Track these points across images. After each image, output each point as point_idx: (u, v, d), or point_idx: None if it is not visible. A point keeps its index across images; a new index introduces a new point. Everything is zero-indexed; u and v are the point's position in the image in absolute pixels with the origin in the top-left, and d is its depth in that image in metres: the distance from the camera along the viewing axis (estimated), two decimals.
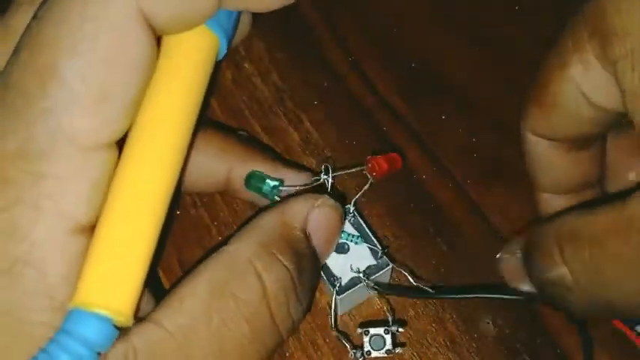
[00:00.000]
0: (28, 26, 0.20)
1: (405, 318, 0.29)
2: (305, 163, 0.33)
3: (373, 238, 0.28)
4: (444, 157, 0.32)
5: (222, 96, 0.35)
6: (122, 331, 0.20)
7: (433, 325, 0.29)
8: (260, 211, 0.25)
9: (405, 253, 0.30)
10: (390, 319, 0.27)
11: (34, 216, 0.19)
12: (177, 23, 0.21)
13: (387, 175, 0.28)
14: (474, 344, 0.28)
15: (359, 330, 0.27)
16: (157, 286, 0.29)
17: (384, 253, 0.27)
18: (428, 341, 0.28)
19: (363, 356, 0.27)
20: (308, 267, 0.24)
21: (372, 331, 0.27)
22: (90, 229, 0.20)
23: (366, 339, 0.27)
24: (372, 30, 0.36)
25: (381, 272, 0.27)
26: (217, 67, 0.23)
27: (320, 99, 0.34)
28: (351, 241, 0.28)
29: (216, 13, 0.21)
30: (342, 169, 0.29)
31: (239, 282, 0.22)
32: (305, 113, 0.34)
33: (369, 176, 0.28)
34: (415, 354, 0.28)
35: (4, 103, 0.20)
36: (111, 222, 0.20)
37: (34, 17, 0.20)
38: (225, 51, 0.23)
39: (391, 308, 0.28)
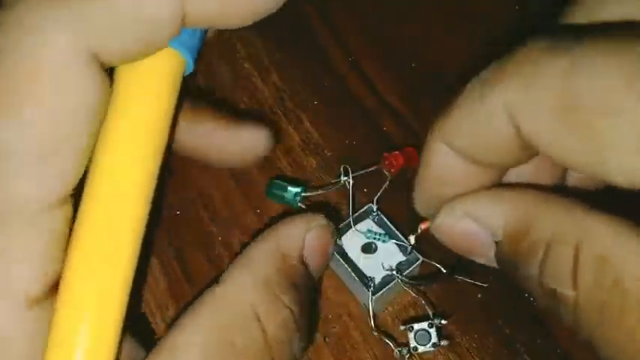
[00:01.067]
0: None
1: (406, 318, 0.29)
2: (305, 164, 0.33)
3: (399, 233, 0.28)
4: None
5: (222, 96, 0.35)
6: None
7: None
8: (254, 238, 0.23)
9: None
10: (430, 312, 0.27)
11: None
12: (133, 55, 0.18)
13: (403, 169, 0.28)
14: (474, 344, 0.28)
15: (402, 327, 0.27)
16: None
17: (413, 248, 0.27)
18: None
19: (410, 352, 0.27)
20: (308, 299, 0.23)
21: (416, 326, 0.27)
22: (50, 293, 0.18)
23: (411, 335, 0.26)
24: (372, 30, 0.36)
25: (413, 267, 0.27)
26: (186, 83, 0.21)
27: (320, 99, 0.34)
28: (378, 239, 0.28)
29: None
30: (354, 170, 0.28)
31: (239, 329, 0.20)
32: (305, 113, 0.34)
33: (387, 174, 0.28)
34: (415, 354, 0.28)
35: None
36: (73, 285, 0.18)
37: None
38: (192, 67, 0.20)
39: (430, 302, 0.28)
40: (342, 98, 0.34)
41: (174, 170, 0.30)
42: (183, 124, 0.25)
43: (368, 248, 0.28)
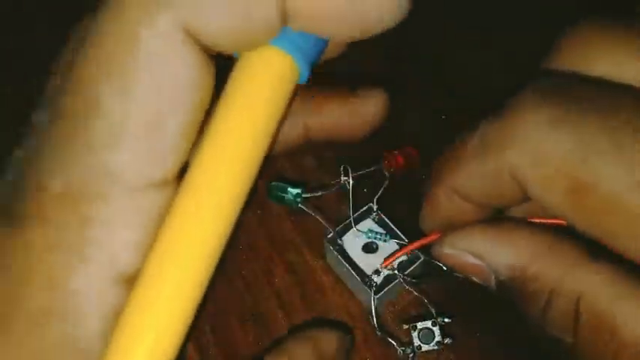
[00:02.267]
0: (67, 48, 0.18)
1: (407, 317, 0.29)
2: (305, 164, 0.33)
3: (400, 233, 0.28)
4: None
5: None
6: None
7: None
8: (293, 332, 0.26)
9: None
10: (433, 311, 0.27)
11: (74, 263, 0.18)
12: (232, 41, 0.18)
13: (405, 170, 0.28)
14: (474, 344, 0.28)
15: (405, 326, 0.27)
16: None
17: (415, 252, 0.27)
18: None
19: (414, 352, 0.27)
20: None
21: (420, 325, 0.27)
22: (133, 279, 0.18)
23: (414, 334, 0.27)
24: None
25: (414, 266, 0.27)
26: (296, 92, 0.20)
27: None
28: (379, 239, 0.28)
29: (286, 31, 0.18)
30: (354, 170, 0.29)
31: None
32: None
33: (386, 173, 0.28)
34: (419, 353, 0.28)
35: (51, 135, 0.18)
36: (153, 273, 0.18)
37: (76, 35, 0.18)
38: (307, 74, 0.20)
39: (432, 301, 0.28)
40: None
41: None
42: (309, 117, 0.26)
43: (369, 248, 0.28)
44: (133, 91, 0.17)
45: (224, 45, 0.18)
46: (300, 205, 0.27)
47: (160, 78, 0.17)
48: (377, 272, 0.27)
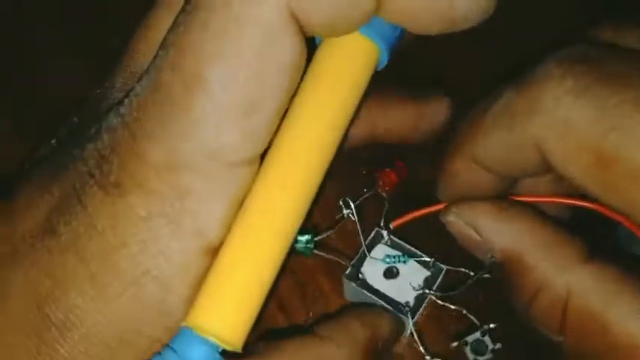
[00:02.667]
0: (176, 22, 0.19)
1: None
2: None
3: (416, 250, 0.27)
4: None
5: None
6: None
7: (434, 325, 0.29)
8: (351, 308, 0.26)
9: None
10: (476, 320, 0.26)
11: (171, 231, 0.19)
12: (330, 25, 0.19)
13: (398, 185, 0.28)
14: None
15: (454, 344, 0.26)
16: None
17: (435, 260, 0.27)
18: (428, 341, 0.28)
19: (459, 343, 0.26)
20: None
21: (470, 338, 0.26)
22: (217, 249, 0.20)
23: (467, 349, 0.26)
24: None
25: (440, 279, 0.27)
26: (375, 78, 0.21)
27: None
28: (399, 262, 0.27)
29: (373, 20, 0.19)
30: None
31: None
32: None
33: (384, 195, 0.28)
34: (416, 354, 0.28)
35: (155, 107, 0.19)
36: (236, 244, 0.19)
37: (182, 11, 0.19)
38: (386, 61, 0.21)
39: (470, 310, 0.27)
40: None
41: None
42: (377, 118, 0.27)
43: (390, 273, 0.27)
44: (236, 73, 0.18)
45: (322, 30, 0.19)
46: (313, 251, 0.26)
47: (263, 61, 0.18)
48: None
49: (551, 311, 0.20)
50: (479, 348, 0.26)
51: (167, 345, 0.19)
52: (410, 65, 0.34)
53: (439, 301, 0.26)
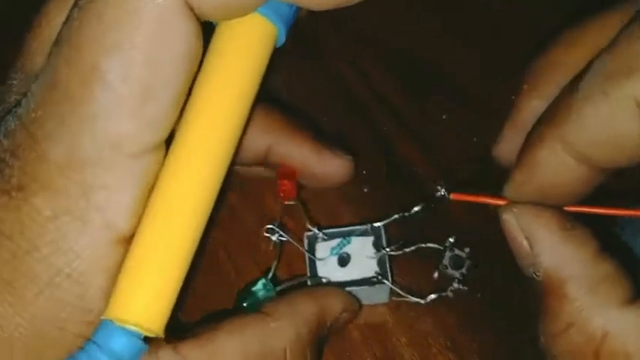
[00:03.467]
0: (70, 17, 0.19)
1: (406, 319, 0.29)
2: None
3: (346, 228, 0.28)
4: (444, 157, 0.32)
5: None
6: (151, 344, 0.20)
7: (433, 325, 0.29)
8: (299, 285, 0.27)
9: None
10: (437, 245, 0.27)
11: (80, 227, 0.19)
12: (225, 10, 0.19)
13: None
14: (474, 344, 0.28)
15: (435, 275, 0.27)
16: None
17: (371, 224, 0.28)
18: (428, 341, 0.28)
19: (439, 270, 0.27)
20: (319, 351, 0.26)
21: (445, 261, 0.27)
22: (130, 238, 0.20)
23: (449, 270, 0.27)
24: (372, 31, 0.36)
25: (384, 236, 0.28)
26: (275, 56, 0.21)
27: (319, 99, 0.34)
28: (343, 247, 0.28)
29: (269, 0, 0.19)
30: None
31: None
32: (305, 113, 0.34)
33: (289, 202, 0.28)
34: (415, 354, 0.28)
35: (53, 105, 0.19)
36: (148, 231, 0.20)
37: (75, 6, 0.19)
38: (284, 39, 0.21)
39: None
40: (342, 98, 0.34)
41: None
42: (278, 140, 0.28)
43: (343, 261, 0.28)
44: (132, 62, 0.18)
45: (217, 15, 0.19)
46: (274, 290, 0.27)
47: (158, 49, 0.18)
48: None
49: (580, 352, 0.19)
50: (457, 262, 0.26)
51: (89, 339, 0.19)
52: (409, 66, 0.34)
53: (397, 252, 0.27)
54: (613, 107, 0.18)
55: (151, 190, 0.20)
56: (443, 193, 0.25)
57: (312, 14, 0.21)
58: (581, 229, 0.21)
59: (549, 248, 0.20)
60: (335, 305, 0.26)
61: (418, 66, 0.35)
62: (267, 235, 0.28)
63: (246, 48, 0.20)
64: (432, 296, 0.27)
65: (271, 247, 0.28)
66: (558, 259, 0.20)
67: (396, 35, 0.36)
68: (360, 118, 0.34)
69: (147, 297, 0.19)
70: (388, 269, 0.27)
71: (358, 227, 0.28)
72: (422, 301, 0.27)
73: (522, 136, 0.22)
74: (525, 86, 0.23)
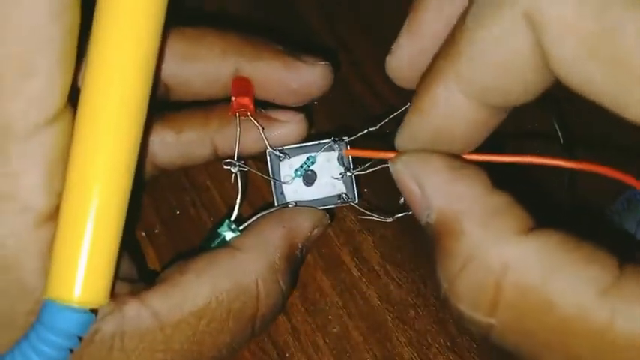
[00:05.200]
0: None
1: (406, 319, 0.29)
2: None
3: (308, 143, 0.27)
4: None
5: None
6: (113, 301, 0.20)
7: (433, 325, 0.29)
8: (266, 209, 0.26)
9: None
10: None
11: None
12: None
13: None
14: (474, 344, 0.28)
15: (401, 201, 0.24)
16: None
17: (334, 139, 0.26)
18: (428, 341, 0.28)
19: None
20: (295, 280, 0.25)
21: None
22: (56, 214, 0.19)
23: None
24: (372, 30, 0.36)
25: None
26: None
27: (320, 99, 0.34)
28: (308, 165, 0.27)
29: None
30: None
31: (239, 299, 0.22)
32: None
33: (254, 118, 0.26)
34: (415, 354, 0.28)
35: None
36: (72, 203, 0.19)
37: None
38: None
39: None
40: (341, 99, 0.34)
41: (173, 171, 0.30)
42: (243, 61, 0.25)
43: (309, 178, 0.27)
44: (4, 38, 0.17)
45: None
46: (239, 230, 0.26)
47: (25, 16, 0.17)
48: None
49: (481, 286, 0.17)
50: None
51: (37, 320, 0.19)
52: None
53: (364, 172, 0.26)
54: (503, 26, 0.16)
55: (64, 158, 0.19)
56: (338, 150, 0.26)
57: None
58: (472, 168, 0.19)
59: (440, 188, 0.19)
60: (303, 224, 0.25)
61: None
62: (227, 167, 0.26)
63: None
64: (399, 215, 0.26)
65: (232, 181, 0.26)
66: (449, 198, 0.19)
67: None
68: (359, 118, 0.34)
69: (82, 272, 0.19)
70: (354, 188, 0.27)
71: (322, 142, 0.26)
72: (389, 219, 0.27)
73: (418, 46, 0.21)
74: None
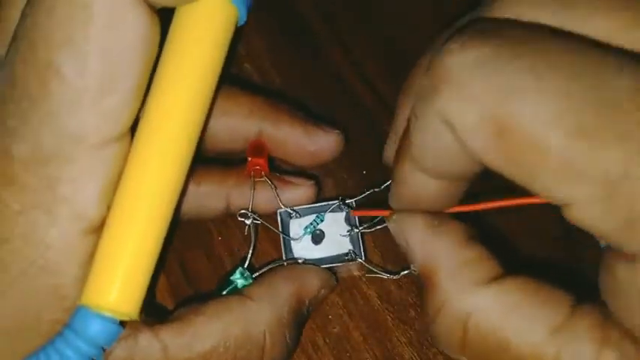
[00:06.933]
0: (23, 14, 0.19)
1: (406, 318, 0.29)
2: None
3: (317, 204, 0.28)
4: None
5: None
6: (129, 328, 0.21)
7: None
8: (277, 263, 0.27)
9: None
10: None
11: (49, 220, 0.19)
12: None
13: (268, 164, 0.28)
14: None
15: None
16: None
17: (341, 200, 0.28)
18: (428, 341, 0.28)
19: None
20: (299, 333, 0.26)
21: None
22: (101, 227, 0.20)
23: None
24: (372, 30, 0.36)
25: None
26: (237, 35, 0.21)
27: (320, 99, 0.34)
28: (317, 224, 0.28)
29: None
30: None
31: (245, 348, 0.23)
32: (305, 113, 0.34)
33: (264, 179, 0.28)
34: (415, 354, 0.28)
35: (13, 103, 0.19)
36: (118, 218, 0.20)
37: (28, 4, 0.19)
38: (245, 17, 0.21)
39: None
40: (342, 98, 0.34)
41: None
42: (267, 123, 0.28)
43: (317, 238, 0.28)
44: (87, 56, 0.18)
45: (172, 1, 0.19)
46: (251, 278, 0.27)
47: (112, 41, 0.18)
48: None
49: (451, 330, 0.20)
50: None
51: (66, 326, 0.20)
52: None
53: (368, 230, 0.28)
54: (427, 125, 0.19)
55: (118, 177, 0.20)
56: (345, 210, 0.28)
57: None
58: (449, 224, 0.22)
59: (419, 245, 0.22)
60: (312, 283, 0.26)
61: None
62: (242, 219, 0.28)
63: (206, 32, 0.20)
64: (404, 272, 0.27)
65: (246, 232, 0.28)
66: (427, 254, 0.22)
67: (399, 35, 0.36)
68: (360, 117, 0.34)
69: (120, 282, 0.20)
70: (361, 245, 0.28)
71: (330, 203, 0.28)
72: (394, 277, 0.28)
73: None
74: (401, 92, 0.24)
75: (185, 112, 0.20)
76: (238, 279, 0.27)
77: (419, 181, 0.21)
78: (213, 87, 0.21)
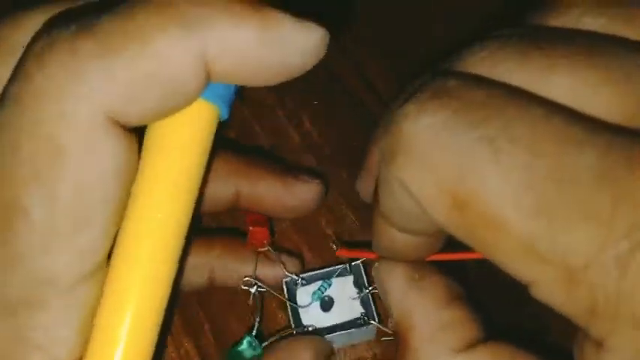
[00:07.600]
0: None
1: None
2: (305, 163, 0.33)
3: (323, 270, 0.27)
4: None
5: None
6: None
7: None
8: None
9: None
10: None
11: None
12: (159, 115, 0.17)
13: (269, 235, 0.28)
14: None
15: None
16: None
17: (348, 264, 0.27)
18: None
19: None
20: None
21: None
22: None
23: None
24: (373, 30, 0.36)
25: (364, 274, 0.27)
26: (220, 128, 0.20)
27: (320, 99, 0.34)
28: (323, 291, 0.27)
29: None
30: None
31: None
32: (305, 113, 0.34)
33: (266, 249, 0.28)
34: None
35: None
36: (99, 350, 0.18)
37: None
38: (227, 114, 0.19)
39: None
40: (342, 98, 0.34)
41: None
42: (244, 183, 0.27)
43: (326, 304, 0.27)
44: (57, 193, 0.16)
45: (151, 120, 0.18)
46: (261, 348, 0.26)
47: (85, 174, 0.16)
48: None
49: None
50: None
51: None
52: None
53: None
54: (389, 187, 0.18)
55: (95, 310, 0.18)
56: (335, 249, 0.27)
57: None
58: (432, 278, 0.21)
59: (396, 299, 0.21)
60: (306, 352, 0.26)
61: (420, 66, 0.35)
62: (246, 287, 0.27)
63: (187, 136, 0.18)
64: None
65: (250, 301, 0.27)
66: (404, 309, 0.21)
67: (399, 35, 0.36)
68: (360, 118, 0.34)
69: None
70: (373, 308, 0.27)
71: (336, 267, 0.27)
72: None
73: (372, 178, 0.22)
74: (372, 140, 0.23)
75: (165, 228, 0.18)
76: (246, 349, 0.26)
77: (392, 235, 0.20)
78: (195, 193, 0.19)
